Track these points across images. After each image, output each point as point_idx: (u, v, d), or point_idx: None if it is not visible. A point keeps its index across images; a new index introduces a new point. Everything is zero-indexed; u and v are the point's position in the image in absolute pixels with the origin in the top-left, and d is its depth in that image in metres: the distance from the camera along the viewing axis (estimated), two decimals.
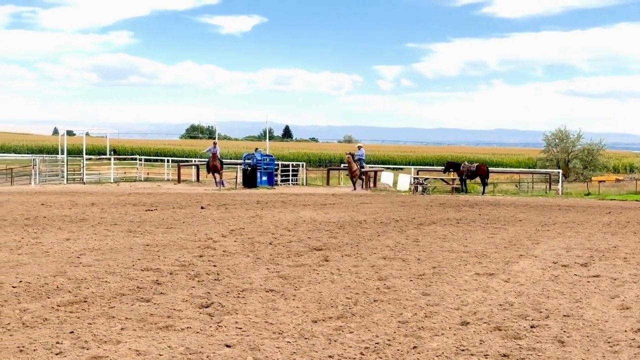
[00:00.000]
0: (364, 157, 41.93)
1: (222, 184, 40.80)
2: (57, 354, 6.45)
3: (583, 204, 31.45)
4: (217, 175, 40.86)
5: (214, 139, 41.02)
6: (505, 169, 64.83)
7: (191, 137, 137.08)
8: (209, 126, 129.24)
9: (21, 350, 6.52)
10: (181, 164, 48.81)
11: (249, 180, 40.22)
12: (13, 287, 9.40)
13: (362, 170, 41.46)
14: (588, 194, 40.58)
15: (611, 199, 36.95)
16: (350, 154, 41.53)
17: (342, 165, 47.03)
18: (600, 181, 48.11)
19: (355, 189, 40.30)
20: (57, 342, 6.81)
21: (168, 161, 51.50)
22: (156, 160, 56.05)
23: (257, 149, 44.35)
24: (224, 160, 43.97)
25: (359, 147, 42.80)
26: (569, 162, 61.58)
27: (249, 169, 40.64)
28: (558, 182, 43.96)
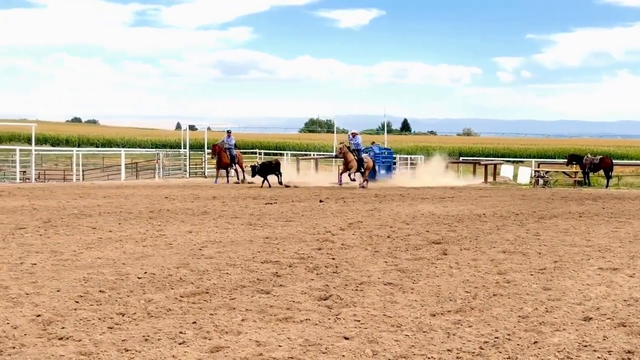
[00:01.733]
0: (361, 146, 35.82)
1: (227, 180, 36.98)
2: (180, 344, 6.61)
3: None
4: (229, 169, 37.17)
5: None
6: (630, 161, 63.00)
7: (310, 131, 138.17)
8: (327, 120, 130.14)
9: (146, 340, 6.71)
10: (300, 157, 49.24)
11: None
12: (138, 278, 9.68)
13: (361, 160, 34.92)
14: None
15: None
16: (343, 144, 35.54)
17: (335, 155, 39.80)
18: None
19: (341, 182, 35.43)
20: (181, 332, 6.98)
21: (287, 154, 52.02)
22: (275, 154, 56.67)
23: (373, 142, 44.31)
24: (240, 150, 40.67)
25: (354, 135, 35.61)
26: None
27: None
28: None
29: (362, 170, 34.92)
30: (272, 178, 33.28)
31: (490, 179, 41.95)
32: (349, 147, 34.77)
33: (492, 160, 49.64)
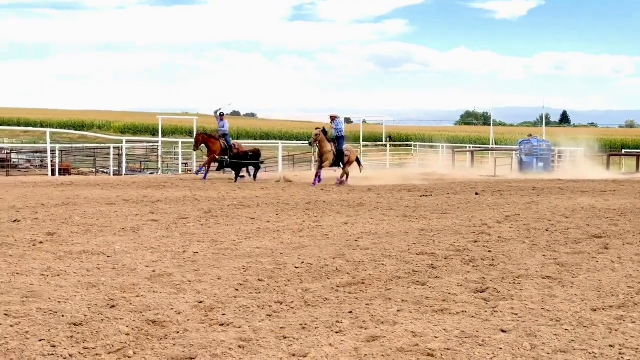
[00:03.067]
0: (343, 133, 28.38)
1: (201, 171, 31.04)
2: (337, 332, 6.69)
3: None
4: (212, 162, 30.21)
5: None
6: None
7: (465, 124, 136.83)
8: (483, 112, 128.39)
9: (304, 328, 6.82)
10: (455, 149, 48.82)
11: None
12: (296, 267, 9.84)
13: (340, 152, 28.05)
14: None
15: None
16: (320, 128, 28.33)
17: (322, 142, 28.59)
18: None
19: (316, 181, 27.57)
20: (337, 321, 7.06)
21: (442, 147, 51.67)
22: (431, 147, 56.39)
23: (530, 134, 43.46)
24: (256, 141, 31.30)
25: (333, 119, 28.33)
26: None
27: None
28: None
29: (342, 164, 28.05)
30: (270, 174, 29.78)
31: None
32: (326, 134, 27.89)
33: None
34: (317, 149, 28.08)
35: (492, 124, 57.53)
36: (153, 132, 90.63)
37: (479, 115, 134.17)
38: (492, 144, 55.14)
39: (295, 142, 64.45)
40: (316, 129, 28.21)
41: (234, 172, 29.53)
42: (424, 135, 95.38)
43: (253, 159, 29.72)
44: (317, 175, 27.65)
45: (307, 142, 33.26)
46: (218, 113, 30.47)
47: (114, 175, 34.30)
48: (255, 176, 29.63)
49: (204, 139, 30.79)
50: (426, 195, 22.40)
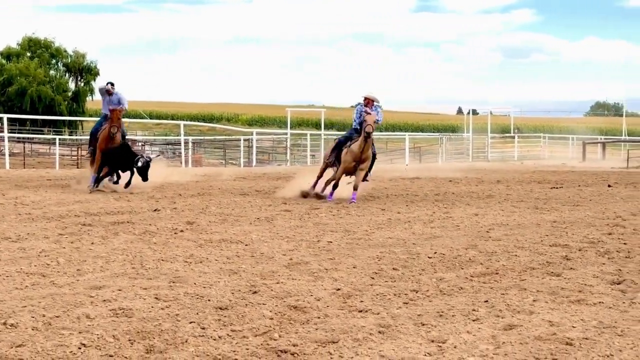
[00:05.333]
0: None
1: (95, 182, 18.65)
2: (473, 320, 6.81)
3: None
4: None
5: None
6: None
7: (595, 115, 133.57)
8: (614, 102, 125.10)
9: (440, 315, 6.96)
10: (586, 141, 47.83)
11: None
12: (429, 257, 9.97)
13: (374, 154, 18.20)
14: None
15: None
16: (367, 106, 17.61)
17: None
18: None
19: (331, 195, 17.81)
20: (473, 310, 7.17)
21: (572, 139, 50.69)
22: (560, 139, 55.40)
23: None
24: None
25: (371, 102, 17.69)
26: None
27: None
28: None
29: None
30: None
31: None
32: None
33: None
34: (355, 148, 17.47)
35: (624, 115, 56.05)
36: (280, 124, 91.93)
37: (610, 105, 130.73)
38: (625, 135, 53.76)
39: (421, 133, 64.50)
40: (367, 113, 17.31)
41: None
42: (553, 127, 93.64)
43: (126, 157, 18.74)
44: (335, 186, 17.96)
45: (435, 133, 32.07)
46: (106, 82, 20.06)
47: (243, 166, 35.05)
48: (128, 183, 18.72)
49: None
50: (556, 187, 22.14)
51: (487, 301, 7.55)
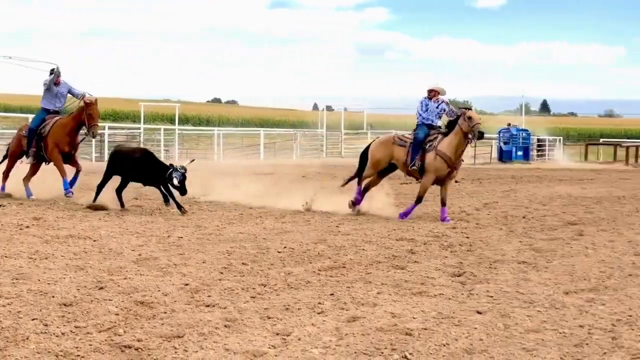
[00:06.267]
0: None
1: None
2: (319, 313, 6.95)
3: None
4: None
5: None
6: None
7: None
8: (464, 100, 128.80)
9: (287, 309, 7.07)
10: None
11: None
12: (278, 252, 10.09)
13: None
14: None
15: None
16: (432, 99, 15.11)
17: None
18: None
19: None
20: (319, 303, 7.32)
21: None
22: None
23: (509, 123, 43.83)
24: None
25: (436, 95, 15.14)
26: None
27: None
28: None
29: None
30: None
31: (632, 161, 40.90)
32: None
33: (635, 142, 48.26)
34: (448, 151, 14.37)
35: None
36: (135, 118, 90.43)
37: (460, 103, 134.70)
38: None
39: (277, 129, 64.68)
40: (466, 109, 15.00)
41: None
42: (404, 123, 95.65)
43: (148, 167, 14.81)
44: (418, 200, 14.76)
45: (290, 129, 31.98)
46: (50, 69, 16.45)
47: (95, 161, 34.37)
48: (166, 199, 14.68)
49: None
50: (405, 184, 22.67)
51: (332, 294, 7.71)
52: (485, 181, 24.35)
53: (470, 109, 14.82)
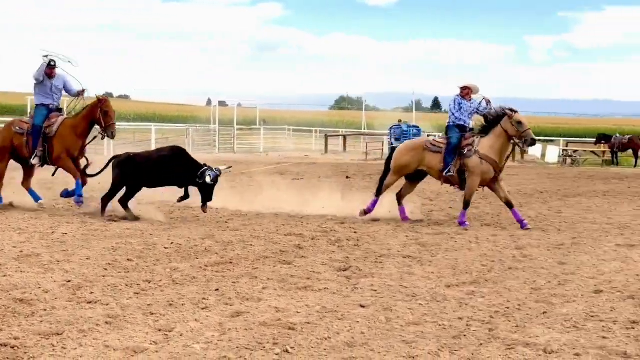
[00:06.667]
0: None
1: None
2: (203, 309, 6.93)
3: None
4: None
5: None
6: None
7: (340, 109, 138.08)
8: (357, 97, 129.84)
9: (171, 305, 7.03)
10: (329, 134, 49.43)
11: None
12: (165, 248, 10.00)
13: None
14: None
15: None
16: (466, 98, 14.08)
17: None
18: None
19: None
20: (204, 298, 7.29)
21: (316, 132, 52.24)
22: (304, 131, 56.94)
23: (400, 120, 44.39)
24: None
25: (468, 93, 14.06)
26: None
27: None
28: None
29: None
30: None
31: (518, 157, 41.94)
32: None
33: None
34: (492, 154, 13.54)
35: (364, 109, 58.51)
36: (21, 113, 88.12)
37: (353, 100, 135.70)
38: (364, 129, 56.08)
39: (169, 124, 64.01)
40: (512, 111, 13.58)
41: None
42: (299, 120, 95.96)
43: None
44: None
45: (182, 124, 31.19)
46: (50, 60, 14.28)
47: None
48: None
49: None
50: (298, 179, 22.78)
51: (218, 290, 7.70)
52: (375, 177, 24.52)
53: (516, 111, 13.55)
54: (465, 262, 9.62)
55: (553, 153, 41.75)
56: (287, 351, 5.72)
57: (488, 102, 13.91)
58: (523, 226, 12.97)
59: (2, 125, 16.01)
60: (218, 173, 12.75)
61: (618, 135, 41.06)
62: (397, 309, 7.11)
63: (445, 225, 13.04)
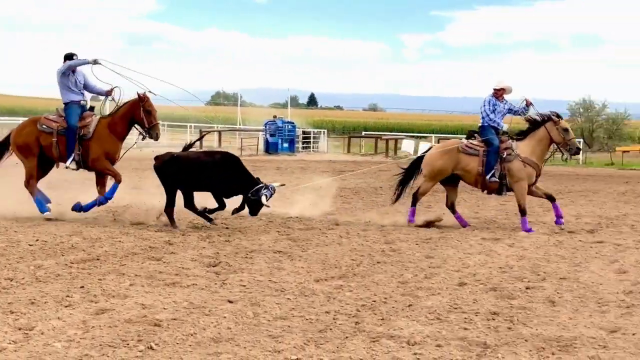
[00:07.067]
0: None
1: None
2: (66, 307, 6.77)
3: (602, 174, 31.57)
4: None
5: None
6: None
7: (215, 104, 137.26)
8: (233, 93, 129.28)
9: (32, 303, 6.84)
10: (203, 130, 49.05)
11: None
12: (29, 245, 9.74)
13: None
14: (611, 164, 40.43)
15: (632, 169, 36.91)
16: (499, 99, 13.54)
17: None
18: (624, 151, 47.60)
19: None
20: (67, 296, 7.13)
21: (191, 127, 51.75)
22: (179, 127, 56.33)
23: (275, 116, 44.49)
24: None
25: (502, 94, 13.52)
26: (593, 132, 61.06)
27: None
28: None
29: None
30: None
31: (391, 153, 42.61)
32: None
33: (394, 135, 50.36)
34: (533, 157, 13.26)
35: (239, 105, 58.39)
36: None
37: (230, 95, 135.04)
38: (240, 125, 55.90)
39: (22, 118, 62.35)
40: (557, 116, 13.50)
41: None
42: (174, 115, 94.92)
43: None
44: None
45: None
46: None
47: None
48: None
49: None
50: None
51: (83, 287, 7.54)
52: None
53: (560, 117, 13.37)
54: (335, 257, 9.70)
55: (425, 149, 42.54)
56: (151, 348, 5.65)
57: (529, 104, 13.42)
58: (558, 222, 12.97)
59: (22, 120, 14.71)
60: (272, 192, 11.93)
61: None
62: (265, 303, 7.12)
63: (316, 221, 13.10)
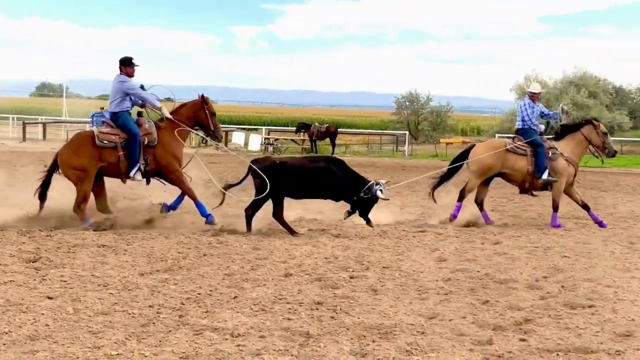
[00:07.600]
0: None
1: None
2: None
3: (427, 165, 32.50)
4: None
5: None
6: (357, 130, 65.67)
7: (41, 95, 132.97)
8: (59, 84, 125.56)
9: None
10: (27, 122, 47.45)
11: None
12: None
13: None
14: (435, 156, 41.72)
15: None
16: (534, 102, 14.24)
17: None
18: (447, 143, 49.25)
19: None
20: None
21: (13, 119, 49.95)
22: (1, 119, 54.28)
23: (102, 107, 43.51)
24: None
25: (535, 98, 14.26)
26: (419, 124, 62.86)
27: None
28: (405, 143, 44.96)
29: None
30: None
31: (222, 145, 42.45)
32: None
33: (225, 127, 50.25)
34: (573, 156, 14.01)
35: (64, 96, 56.85)
36: None
37: (56, 86, 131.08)
38: (66, 116, 54.41)
39: None
40: (595, 120, 14.48)
41: None
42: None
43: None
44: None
45: None
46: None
47: None
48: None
49: None
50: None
51: None
52: None
53: (598, 121, 14.18)
54: (161, 250, 9.59)
55: (256, 141, 42.66)
56: None
57: (567, 113, 14.29)
58: (602, 225, 13.45)
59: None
60: (383, 186, 11.65)
61: (317, 124, 42.70)
62: (87, 299, 6.95)
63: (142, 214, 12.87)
